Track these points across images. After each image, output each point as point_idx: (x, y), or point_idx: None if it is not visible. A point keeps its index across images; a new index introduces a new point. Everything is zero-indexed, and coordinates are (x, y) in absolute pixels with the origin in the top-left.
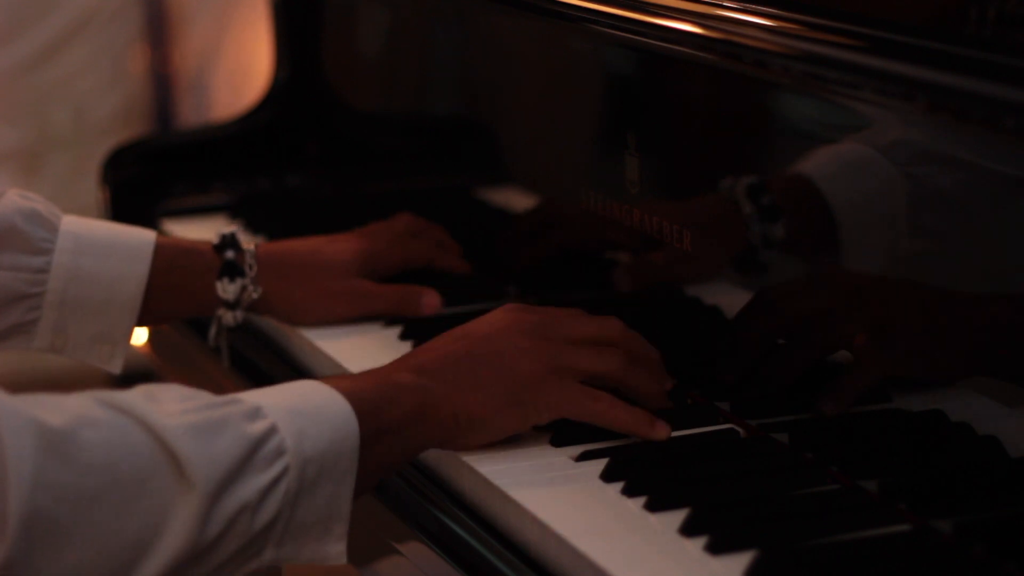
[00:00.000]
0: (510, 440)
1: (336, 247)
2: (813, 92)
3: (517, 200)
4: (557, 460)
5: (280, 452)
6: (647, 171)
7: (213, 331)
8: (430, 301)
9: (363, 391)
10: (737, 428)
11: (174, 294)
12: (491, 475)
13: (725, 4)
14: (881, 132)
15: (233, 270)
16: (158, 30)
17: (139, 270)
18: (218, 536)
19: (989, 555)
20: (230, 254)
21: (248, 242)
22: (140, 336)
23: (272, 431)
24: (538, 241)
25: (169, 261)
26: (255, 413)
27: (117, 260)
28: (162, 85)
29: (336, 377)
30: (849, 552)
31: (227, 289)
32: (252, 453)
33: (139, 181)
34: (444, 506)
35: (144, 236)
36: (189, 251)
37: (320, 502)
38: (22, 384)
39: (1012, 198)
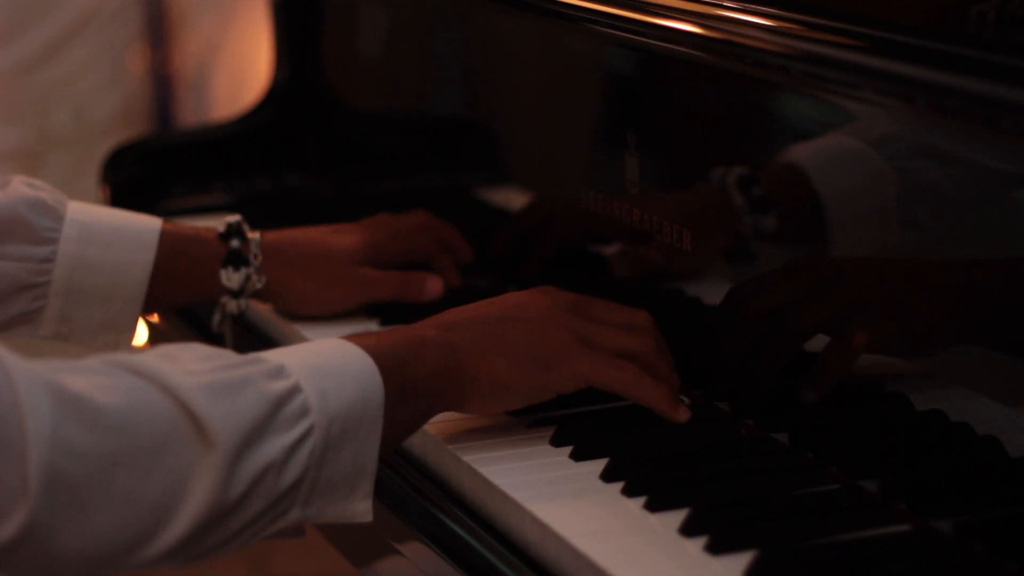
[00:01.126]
0: (511, 440)
1: (340, 237)
2: (813, 92)
3: (517, 200)
4: (557, 460)
5: (304, 411)
6: (647, 171)
7: (217, 318)
8: (432, 286)
9: (388, 347)
10: (737, 428)
11: (179, 281)
12: (491, 475)
13: (725, 4)
14: (881, 132)
15: (238, 259)
16: (158, 30)
17: (144, 258)
18: (242, 496)
19: (989, 555)
20: (235, 243)
21: (253, 231)
22: (140, 335)
23: (295, 390)
24: (537, 241)
25: (174, 249)
26: (278, 372)
27: (122, 248)
28: (162, 85)
29: (362, 334)
30: (849, 552)
31: (231, 278)
32: (275, 412)
33: (139, 181)
34: (444, 506)
35: (150, 224)
36: (194, 239)
37: (346, 460)
38: None
39: (1012, 197)
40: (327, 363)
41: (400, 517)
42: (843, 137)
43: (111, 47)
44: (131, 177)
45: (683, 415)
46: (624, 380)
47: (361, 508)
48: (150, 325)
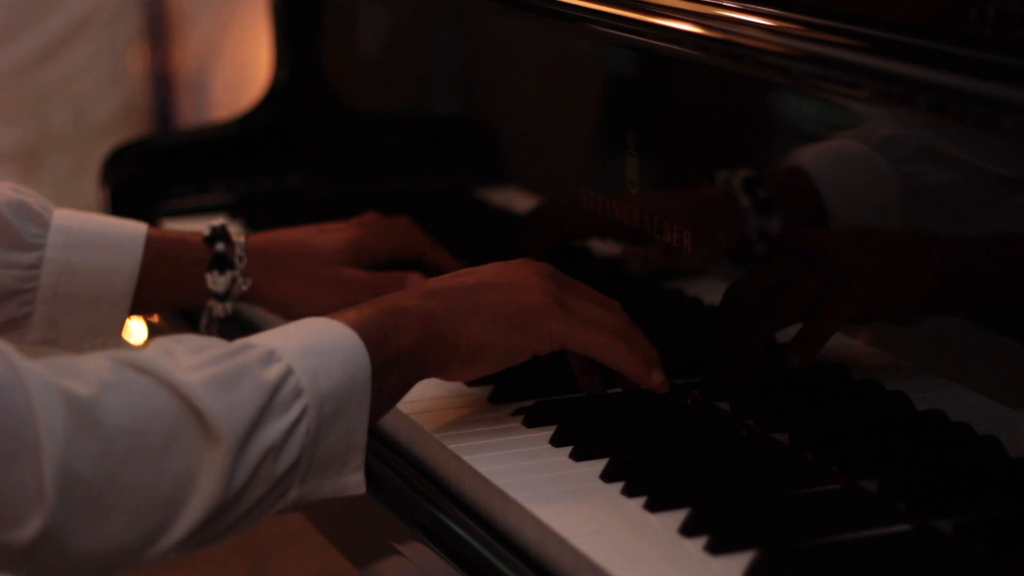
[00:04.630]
0: (511, 440)
1: (324, 236)
2: (813, 92)
3: (517, 200)
4: (557, 460)
5: (297, 393)
6: (647, 171)
7: (204, 322)
8: (414, 282)
9: (370, 321)
10: (737, 428)
11: (165, 286)
12: (491, 475)
13: (725, 4)
14: (880, 131)
15: (223, 262)
16: (158, 30)
17: (130, 263)
18: (245, 484)
19: (989, 555)
20: (220, 246)
21: (239, 234)
22: (140, 335)
23: (288, 373)
24: (537, 242)
25: (160, 254)
26: (269, 357)
27: (108, 254)
28: (162, 85)
29: (345, 309)
30: (849, 552)
31: (217, 281)
32: (271, 398)
33: (139, 181)
34: (444, 506)
35: (135, 229)
36: (179, 243)
37: (338, 437)
38: None
39: (1013, 199)
40: (315, 343)
41: (400, 517)
42: (845, 140)
43: (111, 47)
44: (131, 177)
45: (656, 379)
46: (599, 343)
47: (353, 481)
48: (149, 324)
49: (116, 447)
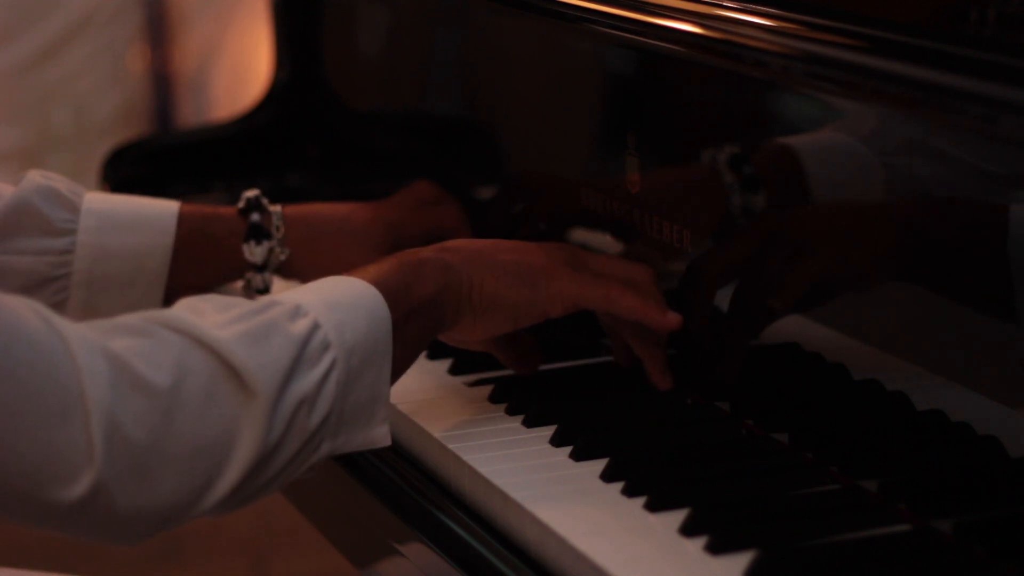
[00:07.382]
0: (511, 440)
1: (364, 215)
2: (813, 92)
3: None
4: (557, 460)
5: (326, 346)
6: (647, 171)
7: (243, 296)
8: None
9: (389, 275)
10: (737, 428)
11: (201, 262)
12: (491, 475)
13: (725, 4)
14: (880, 132)
15: (259, 232)
16: (158, 30)
17: (163, 242)
18: (282, 437)
19: (989, 555)
20: (256, 217)
21: (273, 205)
22: None
23: (315, 327)
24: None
25: (193, 230)
26: (296, 312)
27: (141, 234)
28: (162, 85)
29: (361, 268)
30: (849, 552)
31: (254, 252)
32: (302, 351)
33: (139, 181)
34: (444, 506)
35: (167, 208)
36: (213, 217)
37: (365, 389)
38: None
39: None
40: (337, 297)
41: (400, 517)
42: (839, 133)
43: (111, 47)
44: (131, 177)
45: (672, 321)
46: (609, 295)
47: (380, 433)
48: None
49: (157, 405)
